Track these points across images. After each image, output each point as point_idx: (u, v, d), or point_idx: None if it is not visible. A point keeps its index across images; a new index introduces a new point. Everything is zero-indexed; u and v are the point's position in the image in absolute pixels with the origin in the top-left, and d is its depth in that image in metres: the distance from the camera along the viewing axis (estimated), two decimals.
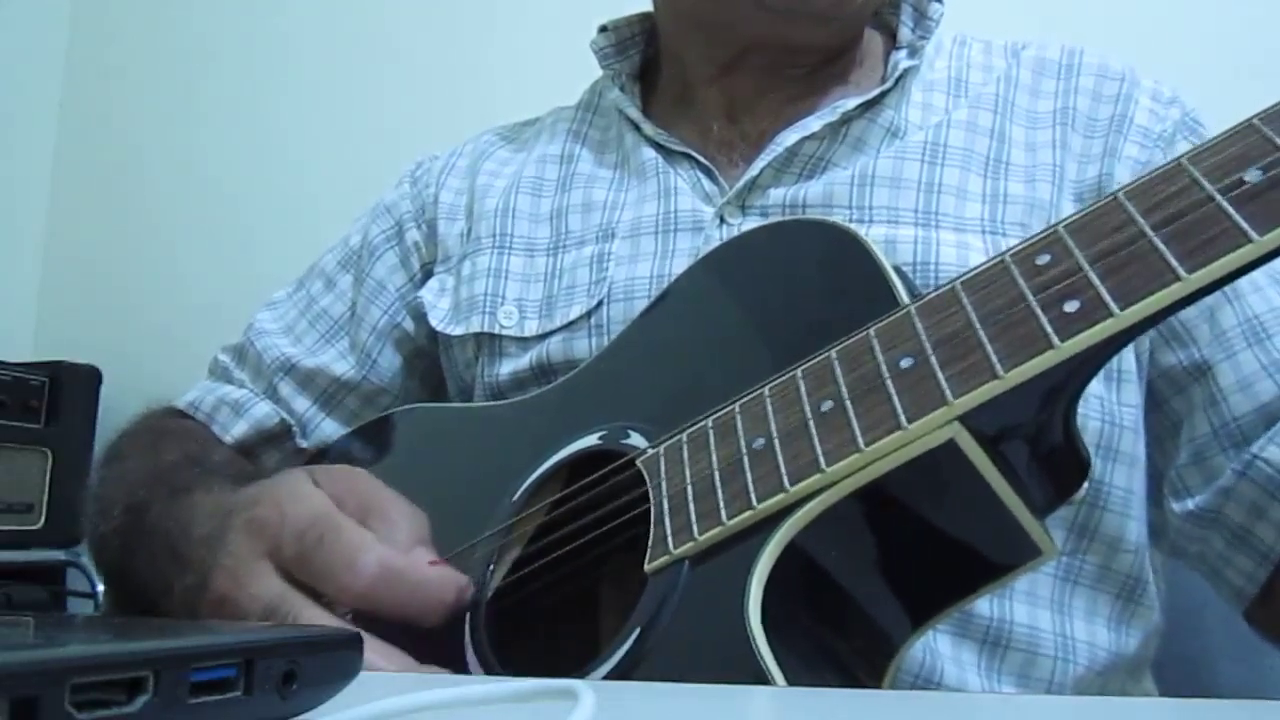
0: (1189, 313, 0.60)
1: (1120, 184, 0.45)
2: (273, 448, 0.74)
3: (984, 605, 0.55)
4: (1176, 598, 0.65)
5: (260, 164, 1.75)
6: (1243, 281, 0.59)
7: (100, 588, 1.46)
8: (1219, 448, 0.58)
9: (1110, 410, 0.59)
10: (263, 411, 0.73)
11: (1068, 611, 0.58)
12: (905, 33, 0.70)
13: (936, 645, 0.54)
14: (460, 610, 0.45)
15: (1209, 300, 0.59)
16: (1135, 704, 0.51)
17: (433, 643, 0.44)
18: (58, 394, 1.57)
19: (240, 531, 0.45)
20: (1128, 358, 0.60)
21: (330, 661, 0.27)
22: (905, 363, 0.39)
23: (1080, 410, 0.40)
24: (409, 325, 0.75)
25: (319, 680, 0.26)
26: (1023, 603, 0.56)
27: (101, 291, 1.84)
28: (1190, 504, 0.59)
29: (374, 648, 0.41)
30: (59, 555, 1.54)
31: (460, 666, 0.47)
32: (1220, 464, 0.57)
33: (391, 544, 0.44)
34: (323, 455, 0.72)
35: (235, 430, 0.73)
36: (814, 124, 0.65)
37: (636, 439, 0.49)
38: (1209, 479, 0.58)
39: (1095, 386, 0.59)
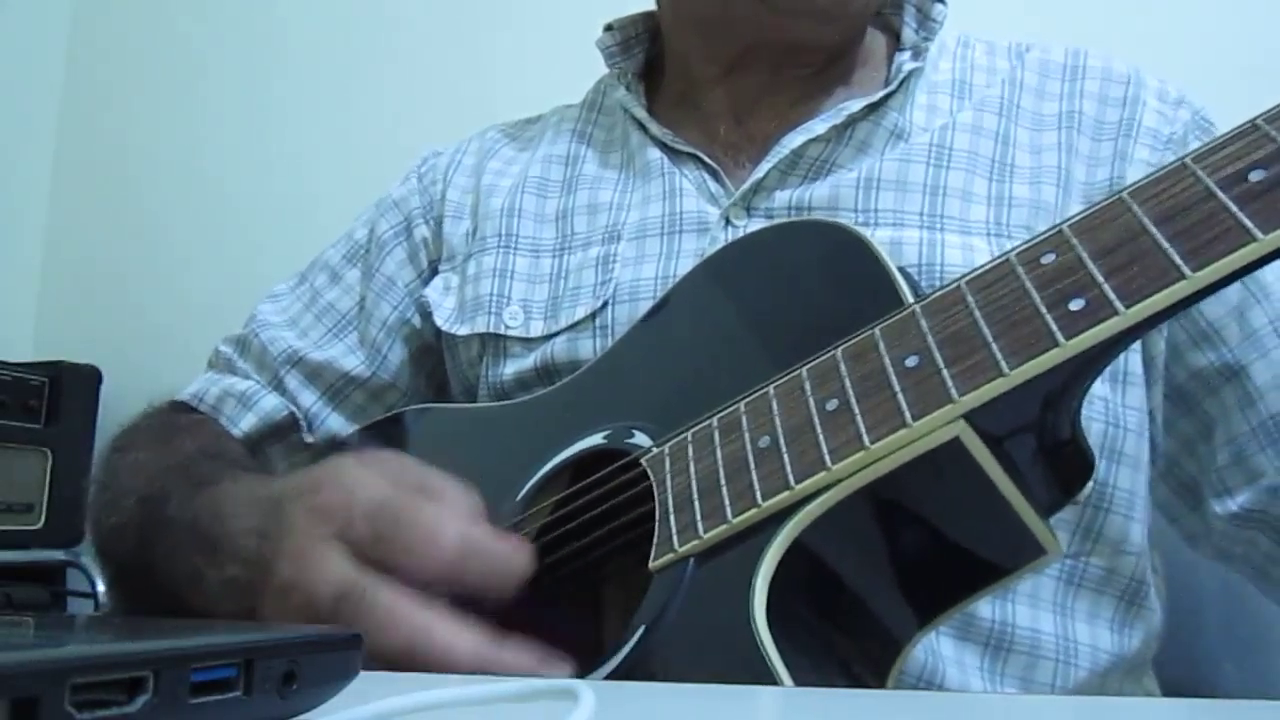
0: (1217, 313, 0.60)
1: None
2: (278, 441, 0.73)
3: (986, 608, 0.55)
4: (1176, 598, 0.65)
5: (260, 164, 1.75)
6: (1271, 281, 0.59)
7: (100, 588, 1.46)
8: (1258, 446, 0.58)
9: (1114, 412, 0.59)
10: (271, 404, 0.73)
11: (1070, 614, 0.57)
12: (909, 34, 0.69)
13: (939, 648, 0.54)
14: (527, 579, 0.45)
15: (1237, 300, 0.59)
16: (1135, 704, 0.51)
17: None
18: (58, 394, 1.57)
19: (304, 518, 0.45)
20: (1133, 360, 0.60)
21: (330, 661, 0.26)
22: (910, 361, 0.39)
23: (1084, 412, 0.40)
24: (417, 321, 0.74)
25: (319, 680, 0.26)
26: (1025, 605, 0.56)
27: (101, 291, 1.84)
28: (1233, 505, 0.59)
29: (448, 625, 0.41)
30: (59, 555, 1.54)
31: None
32: (1260, 463, 0.58)
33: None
34: (330, 449, 0.71)
35: (243, 423, 0.72)
36: (819, 127, 0.65)
37: (641, 438, 0.49)
38: (1251, 478, 0.58)
39: (1099, 388, 0.59)
